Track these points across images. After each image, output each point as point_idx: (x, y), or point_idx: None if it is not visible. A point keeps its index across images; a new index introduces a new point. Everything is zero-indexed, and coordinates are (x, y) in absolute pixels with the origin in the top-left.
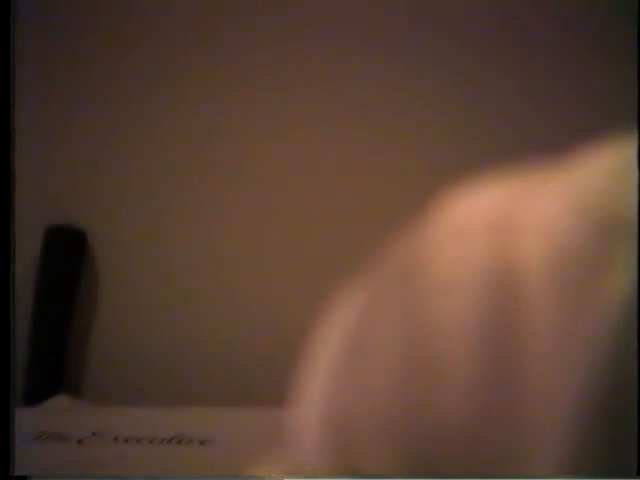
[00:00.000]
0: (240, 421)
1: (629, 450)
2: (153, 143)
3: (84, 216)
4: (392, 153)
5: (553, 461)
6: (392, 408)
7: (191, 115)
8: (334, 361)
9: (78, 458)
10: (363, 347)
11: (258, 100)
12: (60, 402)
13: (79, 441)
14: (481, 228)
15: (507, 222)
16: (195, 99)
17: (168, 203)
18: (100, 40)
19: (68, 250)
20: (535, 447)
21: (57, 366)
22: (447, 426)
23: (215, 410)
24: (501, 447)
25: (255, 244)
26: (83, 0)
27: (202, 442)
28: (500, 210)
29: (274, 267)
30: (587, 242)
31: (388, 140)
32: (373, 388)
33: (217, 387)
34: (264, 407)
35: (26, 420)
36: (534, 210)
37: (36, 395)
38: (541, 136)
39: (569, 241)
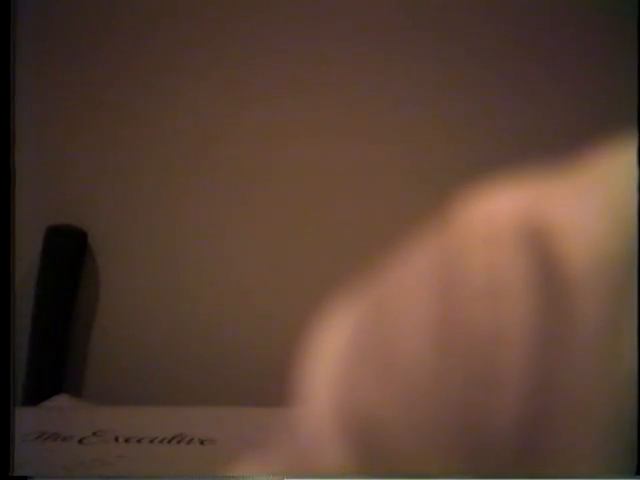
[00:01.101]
0: (240, 421)
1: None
2: (154, 144)
3: (84, 216)
4: (401, 155)
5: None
6: (419, 406)
7: (193, 117)
8: (351, 360)
9: (79, 458)
10: (383, 347)
11: (260, 103)
12: (60, 402)
13: (80, 441)
14: (510, 231)
15: (538, 224)
16: (197, 101)
17: (168, 203)
18: (101, 41)
19: (68, 250)
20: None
21: (57, 366)
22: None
23: (215, 410)
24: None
25: (257, 244)
26: (83, 1)
27: (202, 442)
28: (528, 212)
29: (276, 266)
30: (620, 241)
31: (397, 142)
32: (398, 386)
33: (217, 387)
34: (264, 407)
35: (26, 420)
36: (561, 211)
37: (36, 395)
38: (549, 138)
39: (604, 241)
